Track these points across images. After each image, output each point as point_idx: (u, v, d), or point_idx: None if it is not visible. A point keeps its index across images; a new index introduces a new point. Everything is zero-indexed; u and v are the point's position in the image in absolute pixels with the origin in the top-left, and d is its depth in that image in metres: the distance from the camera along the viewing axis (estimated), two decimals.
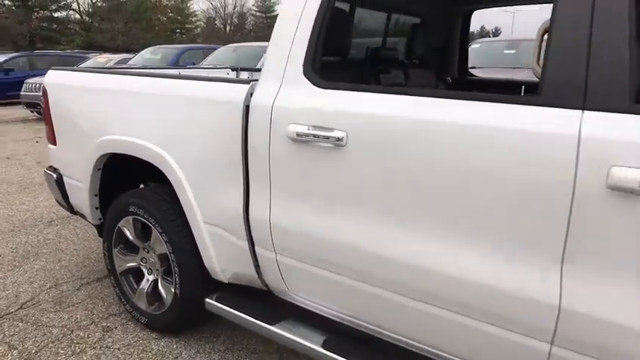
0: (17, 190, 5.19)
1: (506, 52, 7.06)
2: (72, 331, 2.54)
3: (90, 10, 43.37)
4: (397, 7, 2.17)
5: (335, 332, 1.89)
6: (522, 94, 1.38)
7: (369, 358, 1.73)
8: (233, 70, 3.92)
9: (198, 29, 51.69)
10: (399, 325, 1.67)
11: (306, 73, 1.75)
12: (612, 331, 1.22)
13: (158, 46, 11.92)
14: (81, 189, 2.69)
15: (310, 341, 1.84)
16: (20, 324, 2.59)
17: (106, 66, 11.22)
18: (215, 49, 10.30)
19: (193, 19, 52.12)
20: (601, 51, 1.22)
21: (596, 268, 1.23)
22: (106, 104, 2.44)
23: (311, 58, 1.76)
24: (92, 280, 3.10)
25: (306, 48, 1.76)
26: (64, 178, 2.86)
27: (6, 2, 37.91)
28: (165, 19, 48.24)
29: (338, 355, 1.75)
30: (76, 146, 2.65)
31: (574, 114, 1.24)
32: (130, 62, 10.86)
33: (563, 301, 1.28)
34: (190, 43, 34.62)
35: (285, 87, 1.80)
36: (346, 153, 1.61)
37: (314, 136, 1.66)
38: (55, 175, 2.90)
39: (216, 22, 53.76)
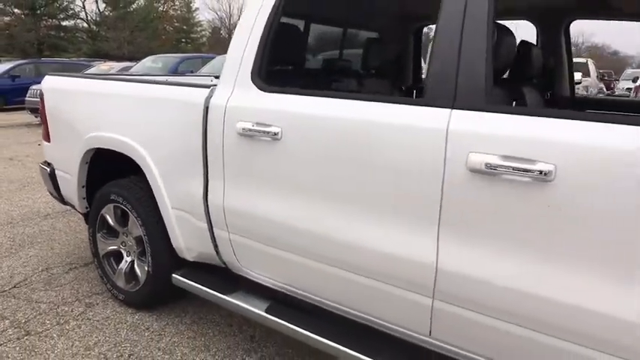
0: (17, 188, 5.53)
1: None
2: (58, 306, 2.86)
3: (97, 18, 44.21)
4: (340, 22, 2.52)
5: (281, 302, 2.20)
6: (414, 96, 1.67)
7: (298, 319, 2.04)
8: (217, 77, 4.26)
9: (204, 39, 52.45)
10: (326, 290, 1.98)
11: (253, 79, 2.09)
12: (479, 286, 1.53)
13: (159, 55, 12.35)
14: (70, 181, 3.03)
15: (255, 307, 2.16)
16: (13, 300, 2.92)
17: (109, 73, 11.64)
18: (213, 57, 10.70)
19: (199, 29, 52.90)
20: (466, 64, 1.55)
21: (463, 234, 1.54)
22: (92, 105, 2.79)
23: (258, 66, 2.09)
24: (80, 265, 3.42)
25: (254, 57, 2.10)
26: (56, 172, 3.19)
27: (15, 10, 38.73)
28: (171, 28, 48.99)
29: (275, 317, 2.07)
30: (67, 143, 2.99)
31: (445, 112, 1.56)
32: (131, 70, 11.27)
33: (439, 262, 1.59)
34: (195, 52, 35.23)
35: (236, 91, 2.13)
36: (281, 145, 1.94)
37: (256, 131, 1.99)
38: (48, 169, 3.24)
39: (221, 31, 54.52)
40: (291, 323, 2.04)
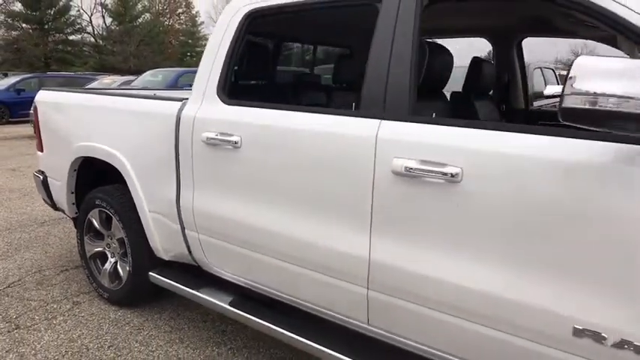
0: (18, 197, 5.78)
1: None
2: (47, 303, 3.07)
3: (104, 33, 45.00)
4: (293, 43, 2.76)
5: (246, 297, 2.40)
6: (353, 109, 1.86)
7: (258, 312, 2.24)
8: None
9: None
10: (281, 283, 2.18)
11: (218, 93, 2.31)
12: (406, 276, 1.73)
13: (159, 69, 12.69)
14: (61, 187, 3.26)
15: (220, 301, 2.36)
16: (6, 298, 3.13)
17: (111, 87, 11.98)
18: None
19: (204, 43, 53.63)
20: (393, 80, 1.76)
21: (391, 230, 1.75)
22: (79, 117, 3.03)
23: (222, 81, 2.32)
24: (71, 268, 3.63)
25: (219, 74, 2.33)
26: (49, 179, 3.43)
27: (24, 25, 39.55)
28: (176, 42, 49.75)
29: (237, 309, 2.28)
30: (58, 152, 3.22)
31: (375, 122, 1.77)
32: (132, 83, 11.59)
33: (372, 255, 1.80)
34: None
35: (204, 104, 2.36)
36: (241, 153, 2.16)
37: (219, 140, 2.21)
38: (41, 177, 3.48)
39: None
40: (252, 315, 2.24)
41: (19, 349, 2.56)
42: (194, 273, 2.67)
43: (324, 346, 1.99)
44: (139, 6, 49.25)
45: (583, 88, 1.15)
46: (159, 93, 4.20)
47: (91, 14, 47.97)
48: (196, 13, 56.58)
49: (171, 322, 2.87)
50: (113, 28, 44.53)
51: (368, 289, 1.84)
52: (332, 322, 2.05)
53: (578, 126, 1.21)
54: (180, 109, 2.43)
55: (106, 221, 3.03)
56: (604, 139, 1.35)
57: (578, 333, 1.40)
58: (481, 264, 1.56)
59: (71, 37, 42.42)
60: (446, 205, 1.61)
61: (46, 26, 39.59)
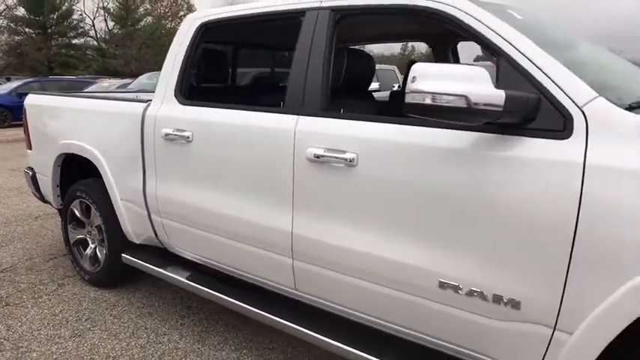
0: (15, 195, 6.15)
1: None
2: (35, 285, 3.43)
3: (106, 36, 45.54)
4: (239, 51, 3.10)
5: (203, 272, 2.75)
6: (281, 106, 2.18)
7: (211, 285, 2.58)
8: None
9: None
10: (227, 258, 2.52)
11: (175, 95, 2.66)
12: (320, 246, 2.06)
13: (154, 72, 13.05)
14: (47, 181, 3.62)
15: (179, 276, 2.71)
16: (1, 282, 3.49)
17: (108, 90, 12.37)
18: None
19: None
20: (310, 82, 2.10)
21: (308, 207, 2.08)
22: (62, 118, 3.38)
23: (179, 84, 2.66)
24: (59, 255, 3.99)
25: (177, 77, 2.68)
26: (37, 175, 3.78)
27: (27, 30, 40.12)
28: None
29: (193, 282, 2.62)
30: (44, 149, 3.58)
31: (295, 117, 2.11)
32: (129, 86, 11.96)
33: (294, 229, 2.13)
34: None
35: (164, 104, 2.70)
36: (192, 146, 2.51)
37: (175, 135, 2.56)
38: (31, 173, 3.84)
39: None
40: (204, 287, 2.58)
41: (7, 321, 2.91)
42: (161, 254, 3.02)
43: (263, 311, 2.32)
44: (141, 9, 49.77)
45: (420, 88, 1.48)
46: (141, 95, 4.55)
47: (94, 18, 48.63)
48: None
49: (144, 299, 3.22)
50: (115, 31, 45.05)
51: (293, 258, 2.18)
52: (271, 290, 2.39)
53: (422, 117, 1.55)
54: (145, 110, 2.78)
55: (86, 210, 3.38)
56: (462, 129, 1.68)
57: (443, 286, 1.73)
58: (375, 234, 1.89)
59: (74, 41, 42.96)
60: (347, 185, 1.94)
61: (49, 30, 40.12)
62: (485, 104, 1.45)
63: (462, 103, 1.45)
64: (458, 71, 1.48)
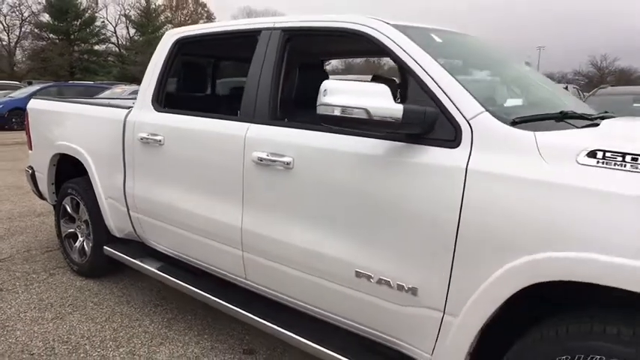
0: (23, 193, 6.52)
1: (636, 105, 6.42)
2: (29, 274, 3.74)
3: (127, 43, 46.67)
4: (207, 65, 3.41)
5: (174, 264, 3.01)
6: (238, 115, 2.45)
7: (176, 274, 2.85)
8: None
9: None
10: (191, 250, 2.79)
11: (152, 102, 2.95)
12: (266, 241, 2.31)
13: None
14: (44, 179, 3.94)
15: (150, 266, 2.98)
16: None
17: (121, 96, 12.83)
18: None
19: None
20: (261, 93, 2.37)
21: (255, 205, 2.34)
22: (58, 121, 3.70)
23: (156, 93, 2.96)
24: (54, 249, 4.30)
25: (154, 87, 2.97)
26: (36, 173, 4.11)
27: (51, 36, 41.38)
28: None
29: (162, 272, 2.89)
30: (42, 150, 3.90)
31: (247, 125, 2.38)
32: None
33: (243, 224, 2.39)
34: None
35: (143, 111, 2.99)
36: (163, 149, 2.79)
37: (149, 139, 2.84)
38: (30, 171, 4.17)
39: None
40: (172, 277, 2.85)
41: None
42: (140, 248, 3.30)
43: (219, 299, 2.58)
44: (162, 17, 50.92)
45: (329, 101, 1.73)
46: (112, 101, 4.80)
47: (116, 25, 49.84)
48: None
49: (124, 289, 3.50)
50: (136, 38, 46.13)
51: (242, 251, 2.44)
52: (229, 281, 2.65)
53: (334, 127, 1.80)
54: (126, 115, 3.07)
55: (76, 206, 3.68)
56: (379, 138, 1.91)
57: (359, 275, 1.97)
58: (306, 229, 2.14)
59: (96, 47, 44.12)
60: (285, 185, 2.20)
61: (72, 36, 41.30)
62: (384, 116, 1.70)
63: (364, 115, 1.70)
64: (362, 88, 1.74)
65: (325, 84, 1.75)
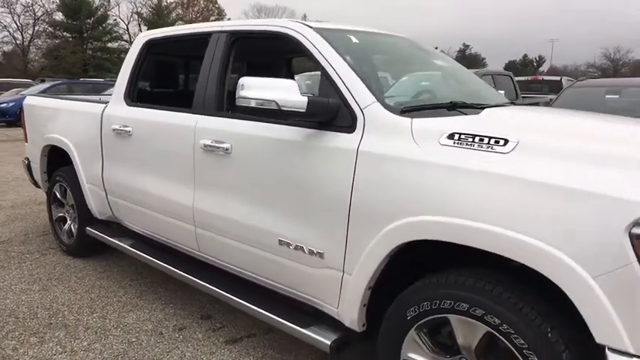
0: (28, 184, 6.84)
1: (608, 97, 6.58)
2: (23, 254, 4.14)
3: None
4: (173, 63, 3.77)
5: (146, 242, 3.38)
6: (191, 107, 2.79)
7: (145, 250, 3.22)
8: None
9: None
10: (156, 228, 3.15)
11: (124, 98, 3.31)
12: (211, 217, 2.66)
13: None
14: (37, 169, 4.34)
15: (124, 243, 3.35)
16: None
17: None
18: None
19: None
20: (209, 90, 2.71)
21: (203, 185, 2.69)
22: (48, 115, 4.09)
23: (128, 89, 3.32)
24: (49, 233, 4.68)
25: (126, 83, 3.33)
26: (31, 164, 4.51)
27: (65, 34, 42.23)
28: None
29: (133, 248, 3.26)
30: (35, 142, 4.30)
31: (197, 117, 2.72)
32: None
33: (194, 203, 2.74)
34: None
35: (117, 105, 3.36)
36: (132, 139, 3.15)
37: (121, 130, 3.21)
38: (26, 162, 4.58)
39: None
40: (141, 252, 3.21)
41: None
42: (119, 229, 3.67)
43: (180, 270, 2.93)
44: (173, 14, 51.59)
45: (245, 95, 2.06)
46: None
47: (128, 22, 50.66)
48: (228, 20, 58.43)
49: (106, 267, 3.89)
50: None
51: (195, 226, 2.79)
52: (190, 255, 3.00)
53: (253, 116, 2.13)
54: (103, 110, 3.44)
55: (64, 193, 4.07)
56: (298, 125, 2.24)
57: (281, 243, 2.31)
58: (241, 205, 2.48)
59: (108, 45, 44.88)
60: (225, 168, 2.54)
61: (85, 34, 42.09)
62: (291, 107, 2.03)
63: (274, 106, 2.04)
64: (273, 83, 2.07)
65: (242, 80, 2.08)
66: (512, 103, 2.92)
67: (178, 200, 2.84)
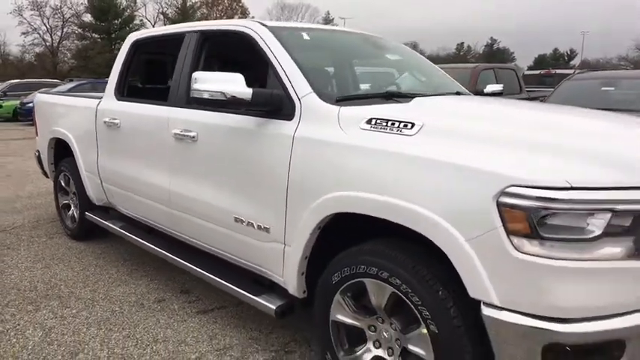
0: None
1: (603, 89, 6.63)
2: (32, 238, 4.54)
3: None
4: (157, 61, 4.08)
5: (136, 225, 3.71)
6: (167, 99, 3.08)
7: (133, 231, 3.54)
8: None
9: None
10: (143, 211, 3.47)
11: (114, 93, 3.64)
12: (182, 198, 2.95)
13: None
14: (45, 159, 4.73)
15: (115, 225, 3.69)
16: (8, 234, 4.63)
17: None
18: None
19: None
20: (181, 85, 3.00)
21: (176, 170, 2.98)
22: (53, 111, 4.48)
23: (118, 85, 3.65)
24: (58, 220, 5.09)
25: (116, 80, 3.66)
26: (41, 155, 4.91)
27: (94, 35, 43.54)
28: None
29: (122, 230, 3.59)
30: (44, 135, 4.69)
31: (171, 109, 3.02)
32: None
33: (170, 187, 3.04)
34: None
35: (109, 100, 3.69)
36: (120, 130, 3.47)
37: (110, 122, 3.54)
38: (37, 154, 4.98)
39: None
40: (129, 233, 3.54)
41: (2, 258, 4.00)
42: (115, 213, 4.01)
43: (160, 249, 3.24)
44: (198, 14, 52.48)
45: (198, 87, 2.33)
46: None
47: (154, 23, 51.72)
48: (251, 19, 59.06)
49: (104, 249, 4.24)
50: None
51: (171, 208, 3.09)
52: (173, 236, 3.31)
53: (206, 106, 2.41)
54: (98, 104, 3.78)
55: (68, 181, 4.44)
56: (251, 115, 2.50)
57: (236, 220, 2.58)
58: (205, 187, 2.77)
59: None
60: (193, 154, 2.83)
61: (113, 35, 43.29)
62: (237, 97, 2.30)
63: (222, 97, 2.31)
64: (222, 77, 2.34)
65: (195, 74, 2.36)
66: (485, 94, 3.17)
67: (158, 184, 3.15)
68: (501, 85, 5.13)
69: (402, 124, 1.99)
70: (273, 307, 2.41)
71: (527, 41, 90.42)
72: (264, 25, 2.69)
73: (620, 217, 1.59)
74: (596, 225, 1.58)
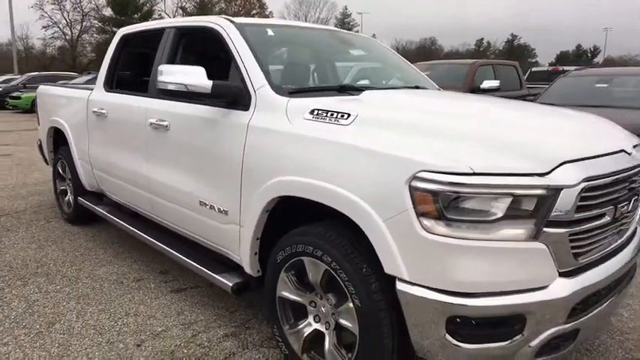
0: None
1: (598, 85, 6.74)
2: (32, 221, 4.81)
3: None
4: (143, 55, 4.28)
5: (121, 210, 3.93)
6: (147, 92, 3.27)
7: (118, 215, 3.76)
8: None
9: None
10: (126, 195, 3.68)
11: (103, 85, 3.86)
12: (158, 184, 3.15)
13: None
14: (45, 148, 5.00)
15: (102, 209, 3.92)
16: (10, 218, 4.91)
17: None
18: None
19: None
20: (155, 75, 3.19)
21: (152, 157, 3.18)
22: (51, 101, 4.73)
23: (106, 78, 3.87)
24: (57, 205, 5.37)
25: (105, 73, 3.88)
26: (42, 143, 5.18)
27: (114, 29, 44.23)
28: None
29: (109, 214, 3.82)
30: (44, 125, 4.95)
31: (148, 99, 3.22)
32: None
33: (148, 173, 3.25)
34: None
35: (99, 91, 3.91)
36: (107, 120, 3.69)
37: (98, 112, 3.76)
38: (39, 143, 5.25)
39: None
40: (115, 217, 3.77)
41: (1, 239, 4.27)
42: (106, 199, 4.25)
43: (144, 233, 3.46)
44: (216, 8, 52.95)
45: (163, 80, 2.52)
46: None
47: (173, 17, 52.32)
48: (270, 13, 59.52)
49: (96, 233, 4.48)
50: None
51: (149, 193, 3.30)
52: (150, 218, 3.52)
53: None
54: (89, 95, 4.01)
55: (64, 168, 4.70)
56: (216, 106, 2.68)
57: (201, 203, 2.77)
58: (174, 173, 2.96)
59: None
60: (166, 142, 3.03)
61: None
62: (198, 89, 2.49)
63: (184, 89, 2.50)
64: (185, 70, 2.53)
65: (160, 67, 2.56)
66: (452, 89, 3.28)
67: (137, 171, 3.36)
68: (498, 82, 5.22)
69: (339, 115, 2.15)
70: (230, 284, 2.60)
71: (550, 38, 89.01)
72: (231, 21, 2.87)
73: (521, 202, 1.73)
74: (499, 208, 1.73)
